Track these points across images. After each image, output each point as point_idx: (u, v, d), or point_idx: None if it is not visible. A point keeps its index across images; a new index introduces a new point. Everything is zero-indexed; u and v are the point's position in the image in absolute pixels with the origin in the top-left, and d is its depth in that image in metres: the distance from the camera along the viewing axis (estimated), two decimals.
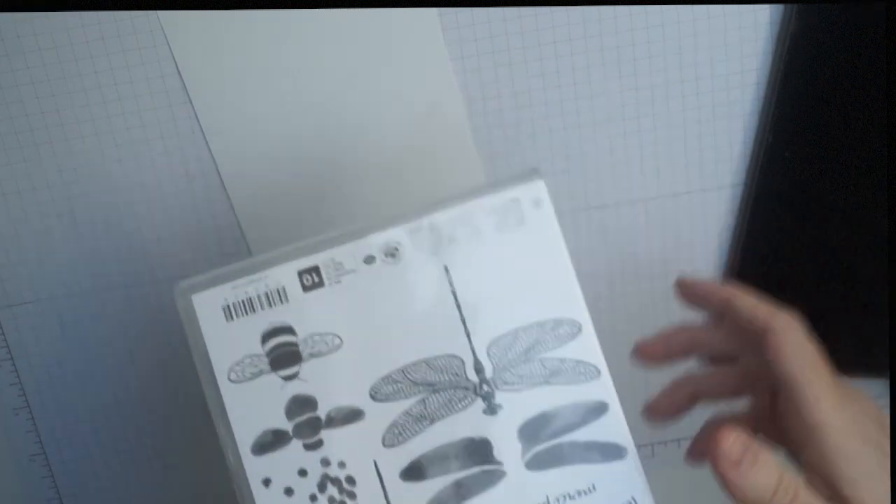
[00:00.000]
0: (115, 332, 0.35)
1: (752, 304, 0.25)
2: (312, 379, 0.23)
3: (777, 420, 0.26)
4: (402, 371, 0.23)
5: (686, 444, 0.38)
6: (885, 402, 0.37)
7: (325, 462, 0.23)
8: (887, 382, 0.37)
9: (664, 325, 0.36)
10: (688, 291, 0.27)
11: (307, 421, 0.23)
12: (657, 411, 0.29)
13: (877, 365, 0.35)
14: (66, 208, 0.34)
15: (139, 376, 0.36)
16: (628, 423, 0.37)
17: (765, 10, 0.32)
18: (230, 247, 0.34)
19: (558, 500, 0.24)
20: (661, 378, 0.37)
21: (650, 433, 0.38)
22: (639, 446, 0.38)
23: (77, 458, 0.37)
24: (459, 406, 0.24)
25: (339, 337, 0.23)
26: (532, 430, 0.24)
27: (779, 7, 0.32)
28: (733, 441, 0.22)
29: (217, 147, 0.33)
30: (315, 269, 0.23)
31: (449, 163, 0.34)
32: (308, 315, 0.23)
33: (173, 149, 0.33)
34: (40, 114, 0.32)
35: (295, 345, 0.23)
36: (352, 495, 0.23)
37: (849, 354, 0.35)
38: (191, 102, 0.33)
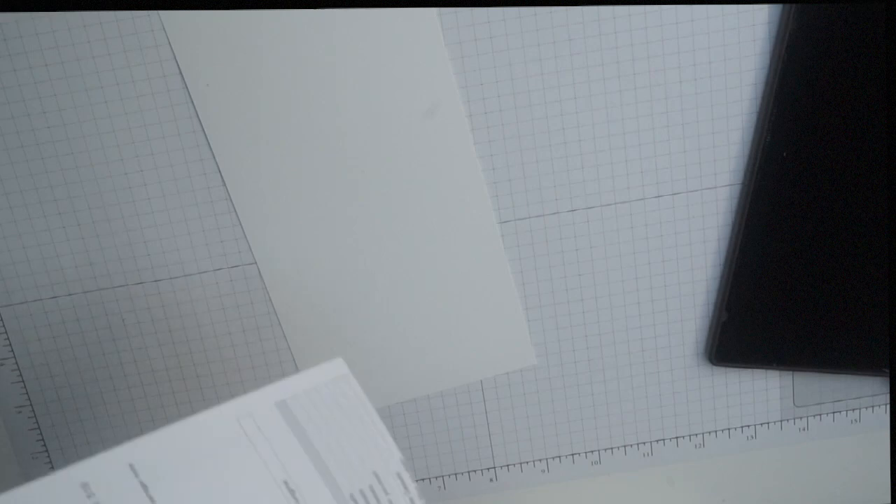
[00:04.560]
0: (115, 332, 0.35)
1: None
2: None
3: None
4: None
5: (684, 442, 0.38)
6: (885, 400, 0.38)
7: None
8: (887, 381, 0.37)
9: (663, 325, 0.36)
10: None
11: None
12: None
13: (876, 363, 0.35)
14: (68, 208, 0.34)
15: (139, 375, 0.36)
16: (624, 423, 0.38)
17: (763, 9, 0.32)
18: (231, 247, 0.34)
19: None
20: (658, 380, 0.37)
21: (649, 432, 0.38)
22: (637, 445, 0.38)
23: (79, 456, 0.37)
24: None
25: None
26: None
27: (777, 7, 0.32)
28: None
29: (218, 146, 0.33)
30: None
31: (449, 163, 0.34)
32: None
33: (175, 149, 0.33)
34: (42, 114, 0.32)
35: None
36: None
37: (848, 353, 0.35)
38: (192, 102, 0.33)
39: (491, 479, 0.38)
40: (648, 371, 0.37)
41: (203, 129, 0.33)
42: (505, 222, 0.35)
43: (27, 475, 0.37)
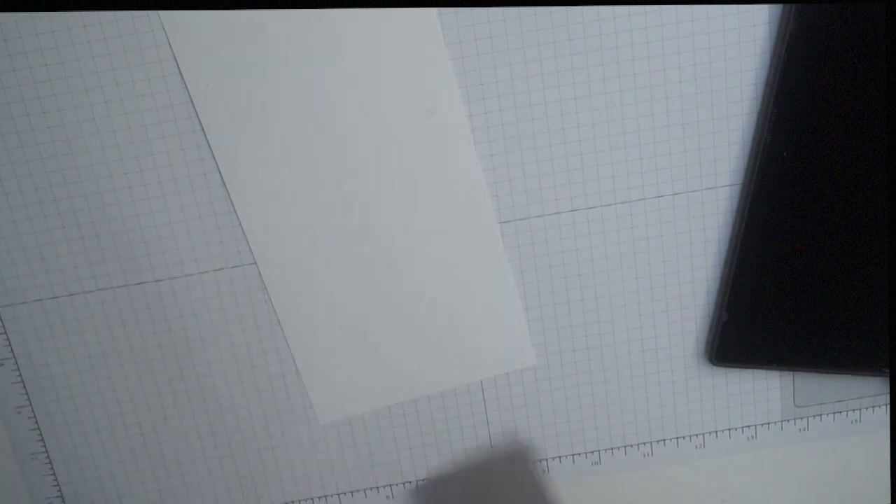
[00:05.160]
0: (115, 332, 0.35)
1: None
2: None
3: None
4: None
5: (684, 443, 0.38)
6: (886, 400, 0.38)
7: None
8: (887, 381, 0.37)
9: (663, 325, 0.36)
10: None
11: None
12: None
13: (876, 363, 0.35)
14: (68, 208, 0.34)
15: (139, 375, 0.36)
16: (624, 423, 0.38)
17: (763, 9, 0.32)
18: (231, 247, 0.34)
19: None
20: (658, 380, 0.37)
21: (649, 432, 0.38)
22: (638, 445, 0.38)
23: (78, 456, 0.37)
24: None
25: None
26: None
27: (777, 7, 0.32)
28: None
29: (218, 146, 0.33)
30: None
31: (449, 163, 0.34)
32: None
33: (175, 149, 0.33)
34: (42, 114, 0.32)
35: None
36: None
37: (848, 353, 0.35)
38: (192, 102, 0.33)
39: None
40: (648, 371, 0.37)
41: (203, 129, 0.33)
42: (505, 222, 0.35)
43: (28, 474, 0.37)
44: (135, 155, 0.33)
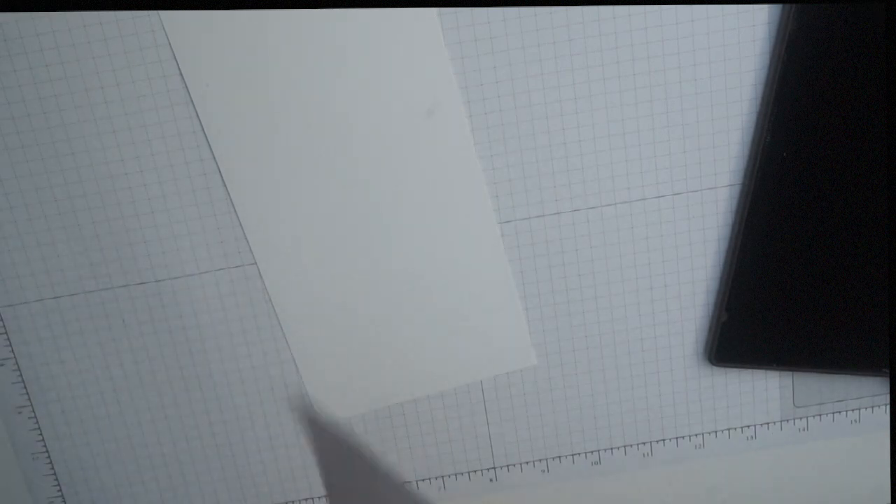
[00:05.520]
0: (115, 332, 0.35)
1: None
2: None
3: None
4: None
5: (683, 442, 0.38)
6: (885, 400, 0.38)
7: None
8: (887, 381, 0.37)
9: (663, 325, 0.36)
10: None
11: None
12: None
13: (876, 363, 0.35)
14: (68, 208, 0.34)
15: (139, 375, 0.36)
16: (624, 423, 0.38)
17: (762, 10, 0.32)
18: (231, 247, 0.34)
19: None
20: (657, 380, 0.37)
21: (649, 432, 0.38)
22: (637, 445, 0.38)
23: (79, 456, 0.37)
24: None
25: None
26: None
27: (777, 7, 0.32)
28: None
29: (218, 147, 0.33)
30: None
31: (449, 163, 0.34)
32: None
33: (175, 149, 0.33)
34: (43, 114, 0.33)
35: None
36: None
37: (848, 353, 0.35)
38: (192, 102, 0.33)
39: (491, 479, 0.38)
40: (648, 371, 0.37)
41: (203, 129, 0.33)
42: (505, 222, 0.35)
43: (29, 475, 0.37)
44: (135, 155, 0.33)
